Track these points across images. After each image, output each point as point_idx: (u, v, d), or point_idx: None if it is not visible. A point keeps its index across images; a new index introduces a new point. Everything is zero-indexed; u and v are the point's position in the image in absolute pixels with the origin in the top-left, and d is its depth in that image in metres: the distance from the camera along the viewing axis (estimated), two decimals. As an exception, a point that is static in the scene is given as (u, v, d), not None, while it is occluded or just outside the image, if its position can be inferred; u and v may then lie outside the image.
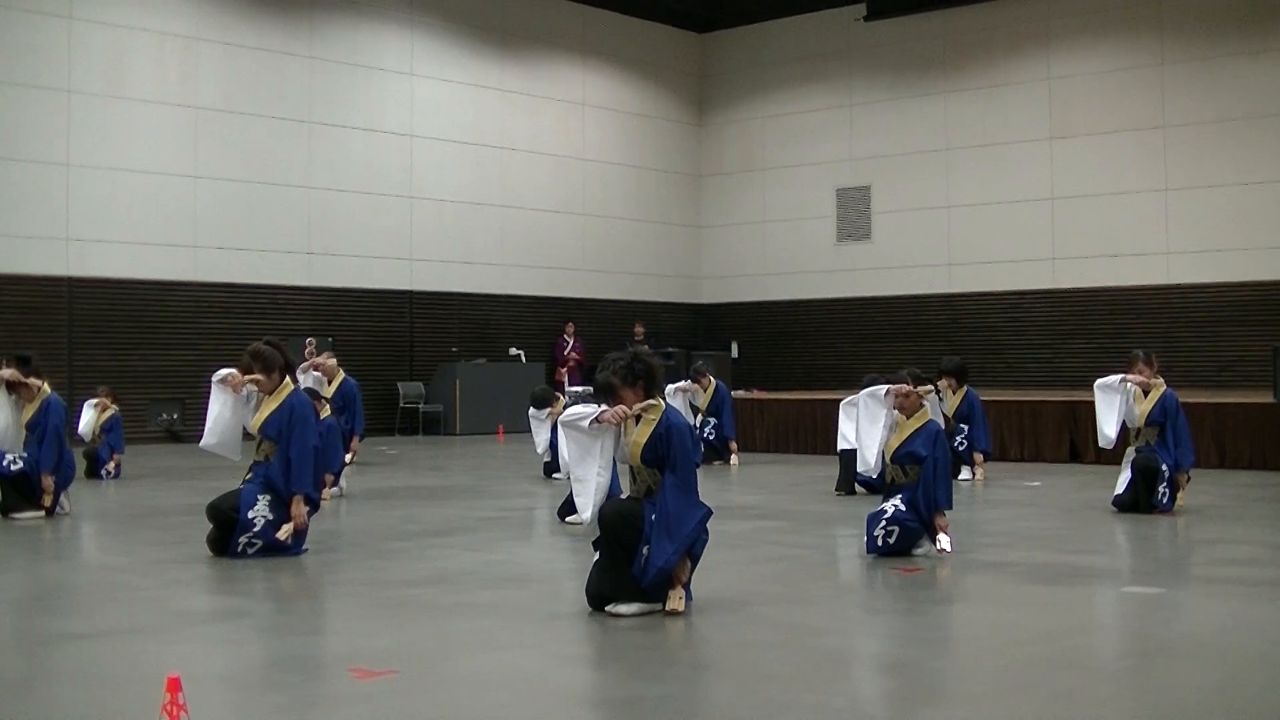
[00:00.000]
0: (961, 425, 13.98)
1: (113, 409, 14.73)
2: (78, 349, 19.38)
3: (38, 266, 19.27)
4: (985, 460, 14.15)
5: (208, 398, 8.86)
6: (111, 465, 14.48)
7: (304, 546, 8.72)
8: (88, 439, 14.61)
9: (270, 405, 8.72)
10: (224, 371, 8.76)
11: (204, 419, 8.89)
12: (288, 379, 8.86)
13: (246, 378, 8.71)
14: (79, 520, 10.76)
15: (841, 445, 12.62)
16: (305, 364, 14.05)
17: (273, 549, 8.50)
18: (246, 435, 8.90)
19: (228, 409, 8.74)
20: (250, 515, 8.48)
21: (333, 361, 14.37)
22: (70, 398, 15.29)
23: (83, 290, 19.70)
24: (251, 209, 21.38)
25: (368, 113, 23.09)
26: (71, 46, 19.63)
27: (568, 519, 10.22)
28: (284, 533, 8.51)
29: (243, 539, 8.44)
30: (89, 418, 14.68)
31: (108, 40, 20.01)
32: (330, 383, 14.31)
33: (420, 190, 23.78)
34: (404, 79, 23.58)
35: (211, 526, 8.62)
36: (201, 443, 8.88)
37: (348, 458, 13.46)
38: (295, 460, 8.61)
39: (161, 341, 20.25)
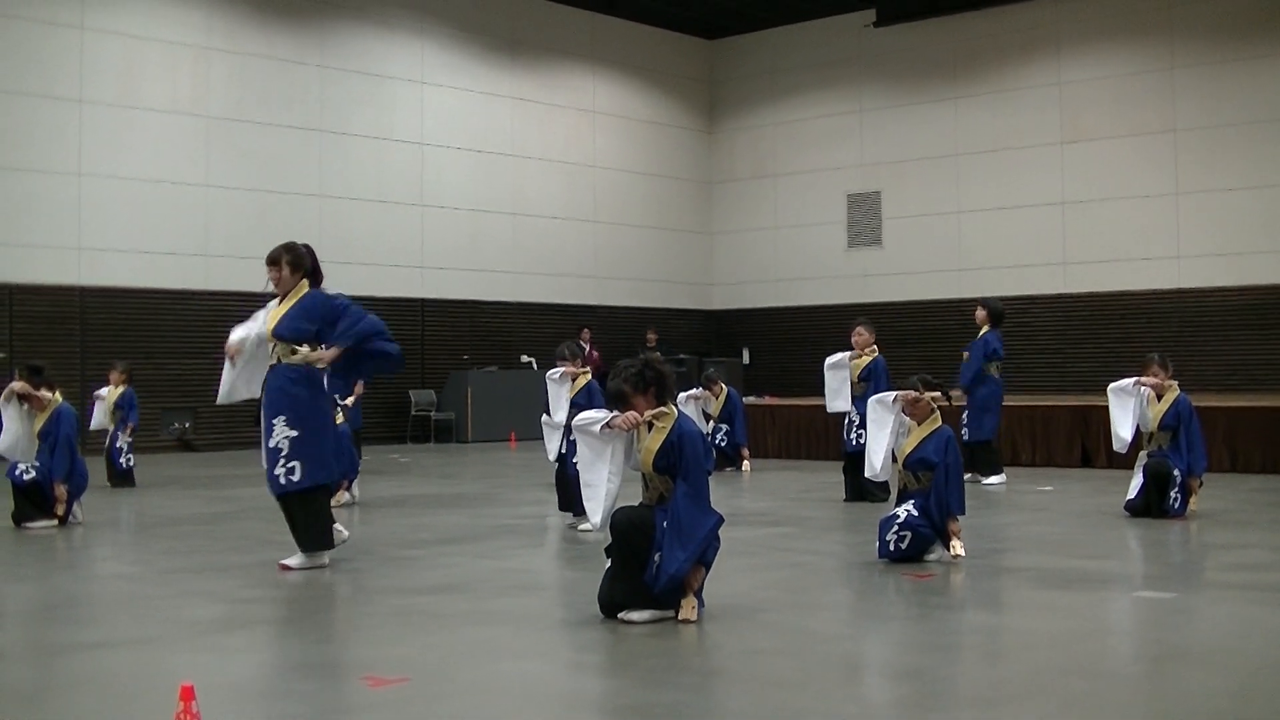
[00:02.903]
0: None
1: (123, 387, 14.74)
2: (90, 358, 19.41)
3: (50, 276, 19.34)
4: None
5: (241, 411, 8.72)
6: (123, 444, 14.49)
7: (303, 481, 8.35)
8: (107, 425, 14.66)
9: (289, 305, 8.49)
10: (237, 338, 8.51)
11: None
12: (305, 283, 8.60)
13: (269, 277, 8.51)
14: (92, 529, 10.78)
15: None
16: None
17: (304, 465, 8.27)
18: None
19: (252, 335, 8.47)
20: (272, 444, 8.22)
21: None
22: (83, 407, 15.33)
23: (95, 299, 19.76)
24: (263, 218, 21.41)
25: (379, 121, 23.14)
26: (83, 56, 19.70)
27: (580, 527, 10.24)
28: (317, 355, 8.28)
29: (279, 471, 8.21)
30: (99, 414, 14.75)
31: (119, 50, 20.08)
32: None
33: (431, 198, 23.81)
34: (415, 87, 23.63)
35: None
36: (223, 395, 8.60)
37: (349, 401, 13.61)
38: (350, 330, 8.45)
39: (174, 350, 20.29)
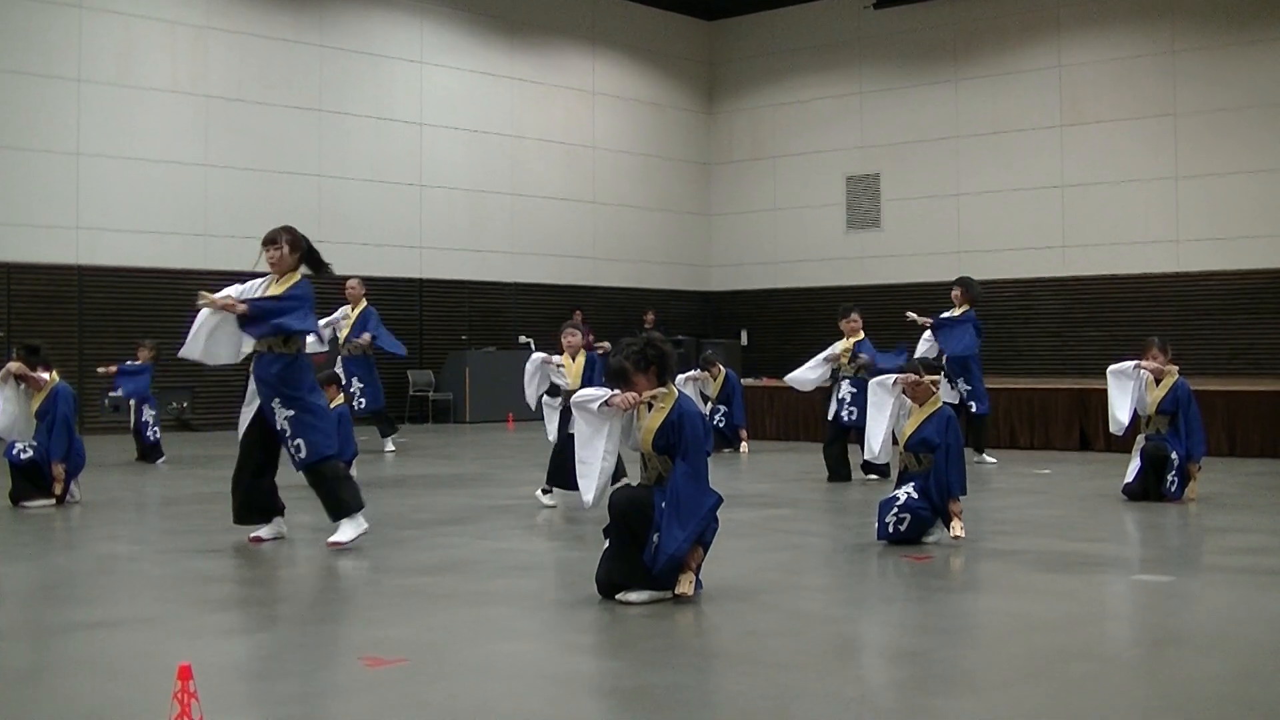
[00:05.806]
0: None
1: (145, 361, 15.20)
2: (88, 337, 19.40)
3: (48, 255, 19.30)
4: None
5: (238, 391, 8.69)
6: (149, 418, 14.86)
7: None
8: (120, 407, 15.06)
9: (281, 289, 8.46)
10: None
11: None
12: (298, 272, 8.51)
13: (265, 256, 8.47)
14: (89, 509, 10.78)
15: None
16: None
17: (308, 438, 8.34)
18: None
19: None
20: (279, 427, 8.36)
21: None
22: (81, 386, 15.35)
23: (93, 279, 19.72)
24: (262, 197, 21.36)
25: (378, 101, 23.08)
26: (82, 35, 19.63)
27: (542, 499, 10.53)
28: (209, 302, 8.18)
29: (290, 450, 8.35)
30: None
31: (118, 29, 20.02)
32: (353, 308, 15.57)
33: (430, 178, 23.77)
34: (414, 67, 23.56)
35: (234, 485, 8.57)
36: (181, 352, 8.54)
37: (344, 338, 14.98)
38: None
39: (172, 330, 20.08)
